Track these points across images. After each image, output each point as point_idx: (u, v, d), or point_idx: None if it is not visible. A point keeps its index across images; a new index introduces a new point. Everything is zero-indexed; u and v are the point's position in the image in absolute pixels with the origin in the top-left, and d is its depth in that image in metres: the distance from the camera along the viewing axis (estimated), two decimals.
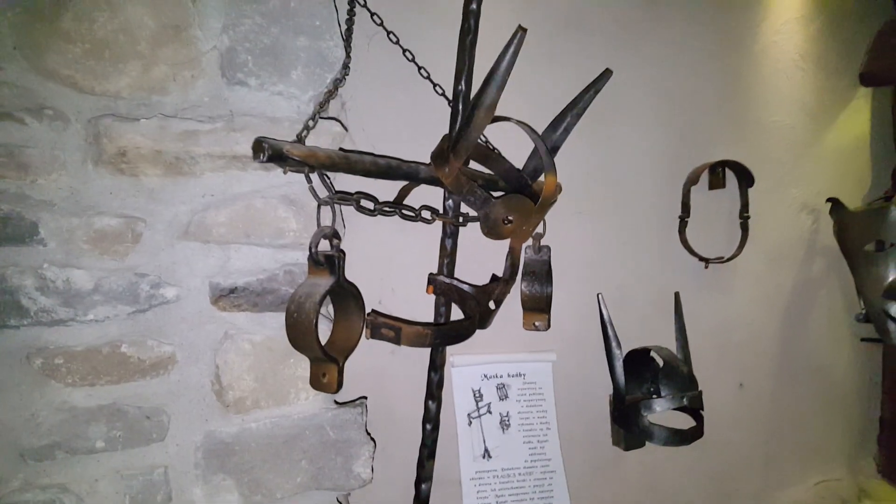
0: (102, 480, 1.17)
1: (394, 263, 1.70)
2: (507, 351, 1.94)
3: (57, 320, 1.14)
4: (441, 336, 1.34)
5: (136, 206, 1.20)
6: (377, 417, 1.64)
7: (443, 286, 1.47)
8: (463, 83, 1.56)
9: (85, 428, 1.17)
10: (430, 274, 1.52)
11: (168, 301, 1.22)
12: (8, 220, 1.12)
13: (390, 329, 1.24)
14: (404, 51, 1.70)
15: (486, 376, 1.91)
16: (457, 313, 1.61)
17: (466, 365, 1.88)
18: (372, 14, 1.64)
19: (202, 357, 1.26)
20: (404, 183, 1.58)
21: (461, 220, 1.52)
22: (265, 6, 1.31)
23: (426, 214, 1.39)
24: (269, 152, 1.08)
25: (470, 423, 1.87)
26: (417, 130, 1.71)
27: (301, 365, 1.34)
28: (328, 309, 1.38)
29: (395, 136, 1.69)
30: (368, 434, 1.43)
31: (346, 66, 1.44)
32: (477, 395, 1.90)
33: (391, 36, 1.68)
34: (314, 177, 1.18)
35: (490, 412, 1.90)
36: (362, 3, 1.62)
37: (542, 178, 1.69)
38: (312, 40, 1.34)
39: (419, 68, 1.71)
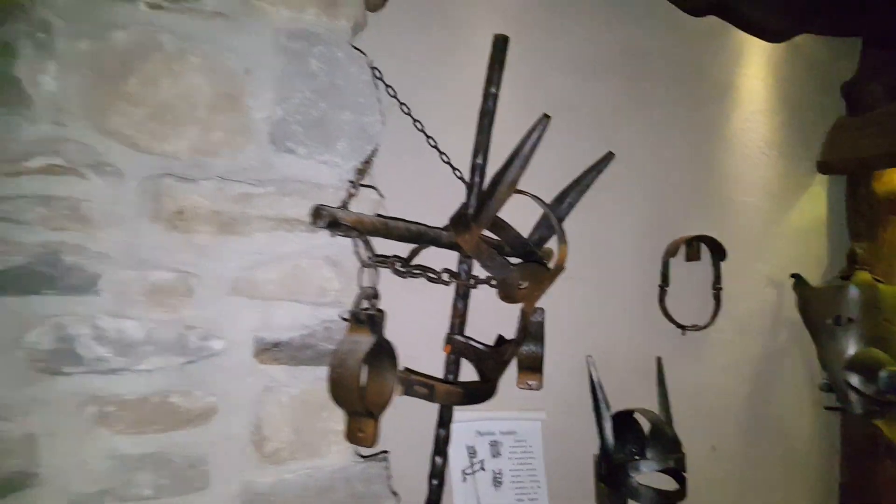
0: None
1: (396, 321, 1.78)
2: (498, 408, 2.01)
3: (110, 369, 1.19)
4: (469, 395, 1.43)
5: (187, 262, 1.27)
6: None
7: (460, 346, 1.57)
8: (480, 158, 1.70)
9: (133, 476, 1.20)
10: (448, 334, 1.62)
11: (215, 353, 1.27)
12: (70, 270, 1.18)
13: (423, 386, 1.32)
14: (415, 121, 1.83)
15: (480, 433, 1.98)
16: (466, 372, 1.70)
17: (461, 421, 1.93)
18: (387, 86, 1.78)
19: (242, 408, 1.31)
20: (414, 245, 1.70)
21: (473, 282, 1.63)
22: (315, 82, 1.43)
23: (445, 276, 1.50)
24: (328, 219, 1.18)
25: (464, 479, 1.92)
26: (424, 195, 1.82)
27: (334, 418, 1.39)
28: None
29: (404, 200, 1.80)
30: (391, 489, 1.48)
31: None
32: (471, 451, 1.96)
33: (403, 107, 1.82)
34: (359, 241, 1.28)
35: (483, 469, 1.96)
36: (378, 75, 1.77)
37: (545, 245, 1.84)
38: (356, 115, 1.46)
39: (428, 138, 1.85)
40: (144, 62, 1.29)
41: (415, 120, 1.83)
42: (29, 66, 1.20)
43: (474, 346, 1.56)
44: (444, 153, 1.87)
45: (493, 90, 1.71)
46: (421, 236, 1.46)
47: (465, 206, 1.65)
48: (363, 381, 1.21)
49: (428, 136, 1.86)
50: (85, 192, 1.22)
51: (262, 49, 1.40)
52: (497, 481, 1.98)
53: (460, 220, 1.50)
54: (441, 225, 1.61)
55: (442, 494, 1.70)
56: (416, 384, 1.33)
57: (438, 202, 1.72)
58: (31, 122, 1.20)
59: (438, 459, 1.67)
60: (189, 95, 1.32)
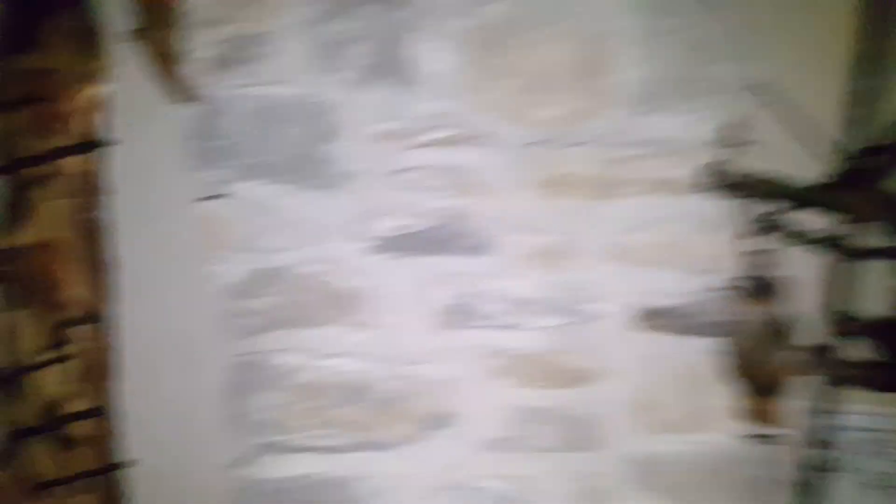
0: (546, 478, 1.29)
1: None
2: (874, 402, 1.74)
3: (504, 325, 1.29)
4: (874, 380, 1.24)
5: (566, 226, 1.31)
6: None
7: (857, 325, 1.36)
8: (860, 110, 1.46)
9: (529, 427, 1.30)
10: (840, 312, 1.42)
11: (597, 316, 1.31)
12: (466, 233, 1.30)
13: (826, 366, 1.17)
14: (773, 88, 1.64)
15: (855, 428, 1.73)
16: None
17: (837, 412, 1.71)
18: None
19: (626, 373, 1.33)
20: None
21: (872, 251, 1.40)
22: (684, 35, 1.34)
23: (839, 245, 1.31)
24: (731, 180, 1.10)
25: (833, 477, 1.71)
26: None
27: (722, 393, 1.31)
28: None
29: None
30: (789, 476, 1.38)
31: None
32: (844, 446, 1.73)
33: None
34: (748, 203, 1.17)
35: (856, 468, 1.72)
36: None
37: None
38: (723, 67, 1.36)
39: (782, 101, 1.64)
40: (513, 34, 1.35)
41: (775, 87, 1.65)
42: (418, 47, 1.32)
43: (875, 325, 1.34)
44: (799, 107, 1.66)
45: (871, 30, 1.45)
46: (813, 197, 1.29)
47: (854, 162, 1.42)
48: (760, 357, 1.11)
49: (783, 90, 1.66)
50: (473, 161, 1.33)
51: (622, 8, 1.36)
52: (876, 484, 1.71)
53: (858, 180, 1.29)
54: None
55: (818, 491, 1.52)
56: (818, 363, 1.18)
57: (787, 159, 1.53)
58: (423, 99, 1.34)
59: (813, 452, 1.49)
60: (556, 63, 1.35)
